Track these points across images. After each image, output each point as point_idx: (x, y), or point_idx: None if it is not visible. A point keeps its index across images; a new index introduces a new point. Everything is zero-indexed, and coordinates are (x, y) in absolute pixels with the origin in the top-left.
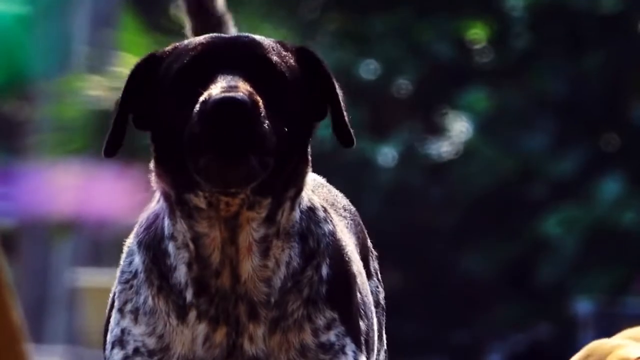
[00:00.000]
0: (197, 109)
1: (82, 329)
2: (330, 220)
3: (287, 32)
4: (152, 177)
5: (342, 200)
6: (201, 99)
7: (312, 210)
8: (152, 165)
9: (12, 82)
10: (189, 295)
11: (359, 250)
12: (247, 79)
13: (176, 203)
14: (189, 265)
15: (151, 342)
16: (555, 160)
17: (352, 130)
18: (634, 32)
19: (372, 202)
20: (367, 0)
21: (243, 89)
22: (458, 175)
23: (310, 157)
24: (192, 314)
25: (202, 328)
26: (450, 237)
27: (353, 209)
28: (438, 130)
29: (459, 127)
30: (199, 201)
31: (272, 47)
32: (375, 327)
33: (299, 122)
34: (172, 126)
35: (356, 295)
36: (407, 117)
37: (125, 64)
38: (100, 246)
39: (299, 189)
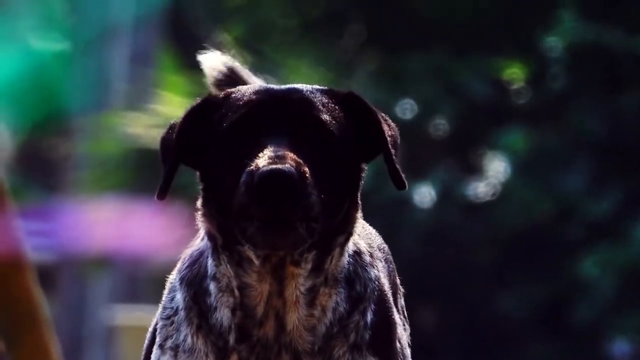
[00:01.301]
0: (244, 179)
1: None
2: (376, 265)
3: (324, 71)
4: (198, 215)
5: (376, 238)
6: (248, 169)
7: (358, 254)
8: (199, 204)
9: (50, 118)
10: (231, 339)
11: (390, 289)
12: (295, 143)
13: (223, 248)
14: (233, 311)
15: None
16: (592, 200)
17: (402, 175)
18: None
19: (408, 241)
20: (404, 40)
21: (290, 159)
22: (495, 215)
23: (360, 202)
24: (234, 358)
25: None
26: (487, 277)
27: (386, 247)
28: (475, 170)
29: (496, 167)
30: (252, 255)
31: (322, 103)
32: None
33: (348, 176)
34: (221, 184)
35: (396, 343)
36: (444, 156)
37: (163, 101)
38: (137, 283)
39: (349, 235)
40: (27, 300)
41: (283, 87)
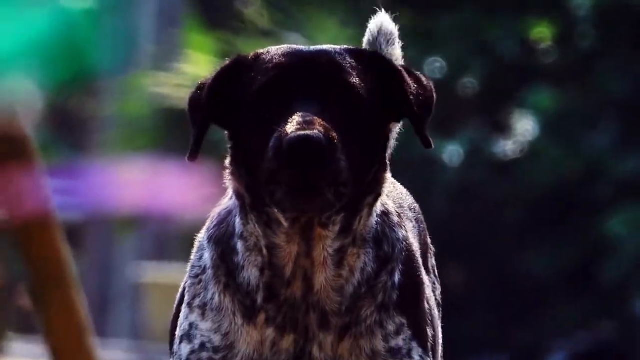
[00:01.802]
0: (272, 144)
1: (145, 324)
2: (404, 226)
3: (352, 30)
4: (227, 174)
5: (407, 198)
6: (277, 134)
7: (386, 214)
8: (227, 162)
9: (78, 78)
10: (259, 298)
11: (420, 248)
12: (324, 107)
13: (251, 208)
14: (262, 271)
15: (217, 339)
16: (619, 159)
17: (427, 134)
18: None
19: (437, 200)
20: None
21: (319, 125)
22: (522, 174)
23: (388, 162)
24: (261, 317)
25: (270, 332)
26: (514, 235)
27: (417, 206)
28: (503, 129)
29: (524, 126)
30: (281, 218)
31: (350, 65)
32: (440, 334)
33: (376, 138)
34: (250, 146)
35: (424, 303)
36: (473, 115)
37: (190, 61)
38: (165, 241)
39: (378, 195)
40: (55, 259)
41: (312, 49)
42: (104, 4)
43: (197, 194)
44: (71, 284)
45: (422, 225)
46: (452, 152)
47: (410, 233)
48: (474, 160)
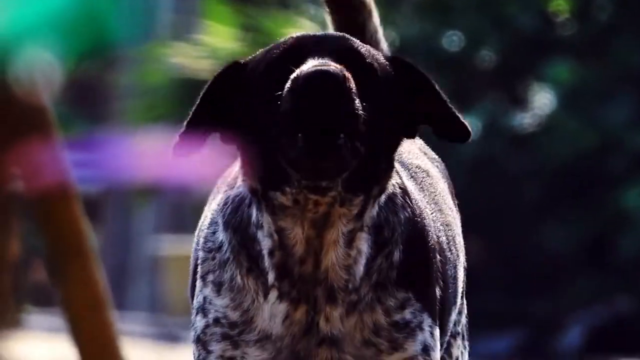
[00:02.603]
0: (288, 86)
1: (164, 296)
2: (409, 204)
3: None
4: (239, 179)
5: (431, 153)
6: (292, 76)
7: (390, 199)
8: (238, 168)
9: (97, 49)
10: (271, 277)
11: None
12: (340, 62)
13: (262, 197)
14: (271, 253)
15: (234, 315)
16: (636, 133)
17: (466, 122)
18: None
19: (454, 173)
20: None
21: (334, 64)
22: (540, 147)
23: (395, 165)
24: (273, 294)
25: (283, 307)
26: (532, 209)
27: (442, 164)
28: (521, 102)
29: (542, 99)
30: (285, 199)
31: (363, 46)
32: (461, 283)
33: (388, 119)
34: (261, 122)
35: (432, 269)
36: (490, 88)
37: (209, 32)
38: (182, 213)
39: (382, 189)
40: (74, 232)
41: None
42: None
43: (214, 165)
44: (90, 256)
45: (448, 181)
46: (469, 125)
47: (420, 198)
48: (491, 134)
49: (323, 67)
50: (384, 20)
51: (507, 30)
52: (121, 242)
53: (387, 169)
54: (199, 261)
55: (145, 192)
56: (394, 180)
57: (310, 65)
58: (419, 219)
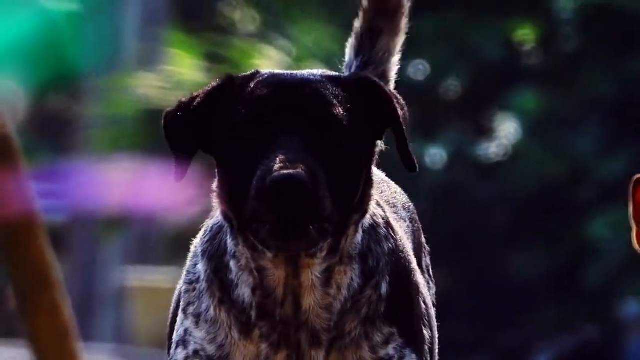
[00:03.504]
0: (255, 184)
1: (130, 328)
2: (392, 236)
3: (335, 31)
4: (214, 196)
5: (401, 197)
6: (260, 172)
7: (373, 228)
8: (214, 186)
9: (62, 78)
10: (253, 315)
11: (414, 248)
12: (308, 141)
13: (239, 231)
14: (254, 290)
15: (211, 349)
16: (603, 162)
17: (414, 158)
18: None
19: (420, 202)
20: (417, 1)
21: (302, 162)
22: (506, 177)
23: (374, 178)
24: (257, 333)
25: (264, 347)
26: (499, 238)
27: (411, 205)
28: (487, 132)
29: (508, 129)
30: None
31: (333, 94)
32: (436, 334)
33: (362, 162)
34: (234, 178)
35: (418, 307)
36: (456, 117)
37: (174, 62)
38: (149, 244)
39: (365, 212)
40: (40, 262)
41: (296, 77)
42: (87, 4)
43: (182, 195)
44: (55, 286)
45: (416, 225)
46: (435, 155)
47: (403, 234)
48: (457, 163)
49: (289, 172)
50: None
51: (472, 60)
52: (87, 273)
53: (367, 190)
54: (181, 294)
55: (112, 223)
56: (378, 211)
57: (278, 163)
58: (402, 253)
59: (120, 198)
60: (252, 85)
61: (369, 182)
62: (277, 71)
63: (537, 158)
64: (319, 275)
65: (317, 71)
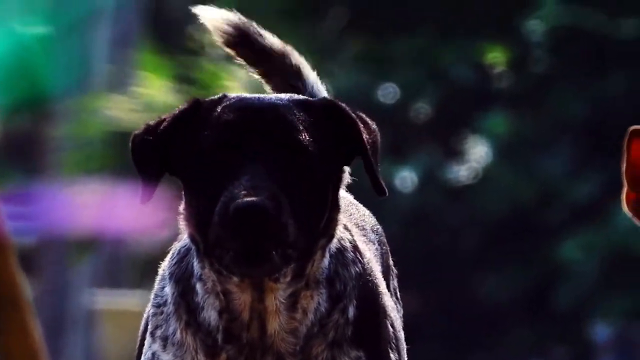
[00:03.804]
0: (218, 210)
1: (99, 350)
2: (359, 260)
3: (306, 54)
4: (180, 219)
5: (369, 220)
6: (223, 199)
7: (340, 252)
8: (181, 208)
9: (32, 101)
10: (219, 338)
11: (382, 271)
12: (273, 168)
13: (205, 255)
14: (220, 314)
15: None
16: (574, 184)
17: (382, 182)
18: None
19: (391, 225)
20: (387, 23)
21: (266, 189)
22: (477, 199)
23: (340, 202)
24: (223, 356)
25: None
26: (469, 261)
27: (379, 228)
28: (457, 154)
29: (478, 151)
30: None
31: (299, 119)
32: (405, 357)
33: (327, 187)
34: (200, 203)
35: (386, 331)
36: (426, 140)
37: (144, 84)
38: (119, 267)
39: (331, 237)
40: (9, 284)
41: (263, 101)
42: (58, 26)
43: (152, 217)
44: (25, 308)
45: (384, 247)
46: (405, 178)
47: (372, 257)
48: (427, 186)
49: (252, 199)
50: (320, 71)
51: (443, 82)
52: (57, 295)
53: (333, 215)
54: (149, 318)
55: (82, 245)
56: (345, 235)
57: (242, 190)
58: (370, 276)
59: (90, 220)
60: (219, 109)
61: (335, 207)
62: (244, 95)
63: (508, 180)
64: (283, 300)
65: (284, 95)
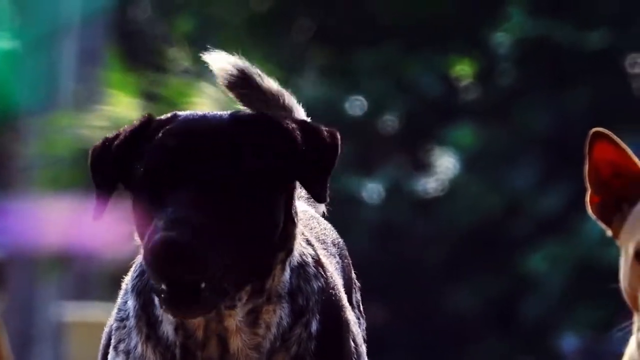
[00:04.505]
0: (145, 242)
1: None
2: (322, 274)
3: (272, 67)
4: (134, 233)
5: (330, 233)
6: (149, 231)
7: (302, 266)
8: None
9: None
10: (177, 353)
11: (344, 284)
12: (206, 193)
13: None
14: (176, 329)
15: None
16: (540, 196)
17: (320, 190)
18: (619, 69)
19: (357, 237)
20: (353, 36)
21: (186, 222)
22: (444, 212)
23: (296, 215)
24: None
25: None
26: (436, 273)
27: (341, 241)
28: (424, 166)
29: (445, 163)
30: None
31: (238, 141)
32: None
33: (273, 205)
34: (140, 223)
35: (348, 346)
36: (393, 153)
37: (111, 101)
38: (87, 280)
39: (290, 250)
40: None
41: (203, 124)
42: (24, 43)
43: (119, 233)
44: None
45: (346, 261)
46: (372, 190)
47: (334, 271)
48: (394, 198)
49: (171, 234)
50: (287, 84)
51: (410, 95)
52: (25, 308)
53: (289, 228)
54: (112, 332)
55: (50, 260)
56: (307, 250)
57: (163, 224)
58: (333, 291)
59: (58, 236)
60: (162, 131)
61: (290, 221)
62: (192, 115)
63: (475, 193)
64: (242, 319)
65: (226, 114)
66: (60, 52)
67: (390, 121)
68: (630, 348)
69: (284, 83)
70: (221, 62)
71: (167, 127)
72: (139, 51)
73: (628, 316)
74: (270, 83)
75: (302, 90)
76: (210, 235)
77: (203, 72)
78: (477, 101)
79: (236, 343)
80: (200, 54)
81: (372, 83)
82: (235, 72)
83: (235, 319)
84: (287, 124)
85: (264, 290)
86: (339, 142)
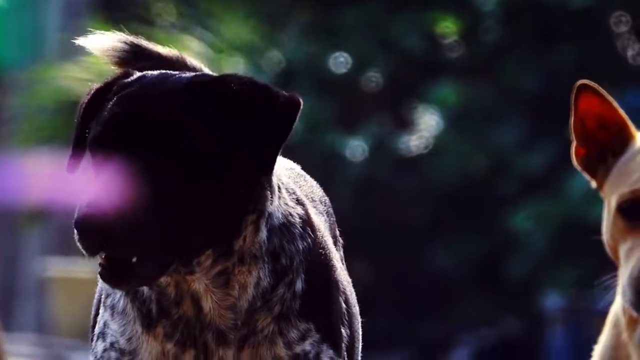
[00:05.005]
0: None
1: (51, 318)
2: (309, 235)
3: (255, 24)
4: None
5: (317, 191)
6: (80, 202)
7: (286, 227)
8: None
9: None
10: (153, 309)
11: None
12: (147, 163)
13: None
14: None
15: (123, 342)
16: (525, 155)
17: (266, 162)
18: (605, 27)
19: (341, 195)
20: None
21: (114, 198)
22: (427, 170)
23: (270, 180)
24: (160, 330)
25: (170, 346)
26: (420, 231)
27: (326, 199)
28: (408, 124)
29: (429, 121)
30: None
31: (188, 106)
32: (360, 330)
33: (233, 170)
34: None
35: (337, 304)
36: (376, 110)
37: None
38: (70, 235)
39: (261, 212)
40: None
41: (154, 89)
42: None
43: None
44: None
45: (332, 218)
46: (355, 147)
47: (325, 230)
48: (377, 156)
49: (90, 213)
50: (270, 42)
51: (394, 52)
52: (8, 264)
53: (259, 192)
54: (102, 287)
55: (33, 215)
56: (296, 210)
57: (87, 199)
58: (323, 250)
59: (40, 190)
60: (116, 97)
61: (257, 184)
62: (153, 80)
63: (458, 151)
64: (210, 280)
65: (187, 78)
66: (45, 5)
67: (374, 78)
68: (616, 305)
69: (267, 39)
70: (103, 41)
71: (123, 92)
72: (124, 4)
73: (611, 271)
74: (167, 50)
75: (285, 47)
76: (137, 212)
77: (188, 26)
78: (461, 59)
79: (208, 303)
80: (182, 11)
81: (356, 40)
82: (125, 47)
83: (202, 281)
84: (244, 89)
85: (233, 252)
86: (296, 110)
